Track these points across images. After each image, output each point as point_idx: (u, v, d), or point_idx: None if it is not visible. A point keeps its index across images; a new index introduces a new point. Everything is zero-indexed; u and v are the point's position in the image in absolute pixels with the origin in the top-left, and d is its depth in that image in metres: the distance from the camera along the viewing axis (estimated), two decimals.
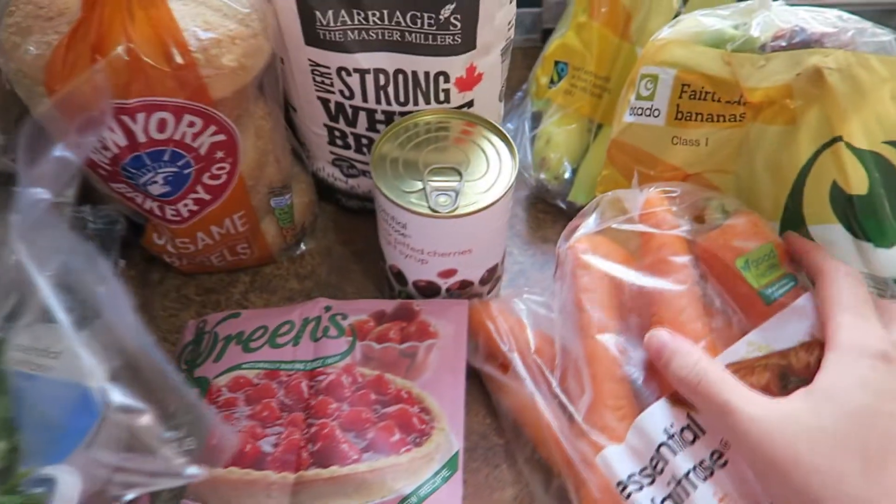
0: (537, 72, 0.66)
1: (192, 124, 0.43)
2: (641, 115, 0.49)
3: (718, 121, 0.46)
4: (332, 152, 0.57)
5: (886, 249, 0.41)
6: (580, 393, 0.41)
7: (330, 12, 0.45)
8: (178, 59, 0.40)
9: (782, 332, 0.39)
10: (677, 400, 0.39)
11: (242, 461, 0.43)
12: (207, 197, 0.48)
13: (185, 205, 0.48)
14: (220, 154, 0.46)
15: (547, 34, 0.69)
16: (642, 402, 0.40)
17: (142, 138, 0.42)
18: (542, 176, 0.61)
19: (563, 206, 0.62)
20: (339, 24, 0.46)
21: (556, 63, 0.63)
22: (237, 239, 0.54)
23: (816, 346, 0.38)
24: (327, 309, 0.50)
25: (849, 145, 0.40)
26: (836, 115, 0.41)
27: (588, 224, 0.46)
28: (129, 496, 0.35)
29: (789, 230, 0.45)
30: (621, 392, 0.40)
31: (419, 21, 0.45)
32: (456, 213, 0.45)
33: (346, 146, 0.55)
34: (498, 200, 0.45)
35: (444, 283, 0.50)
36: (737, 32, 0.45)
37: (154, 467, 0.34)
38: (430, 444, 0.43)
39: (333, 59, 0.48)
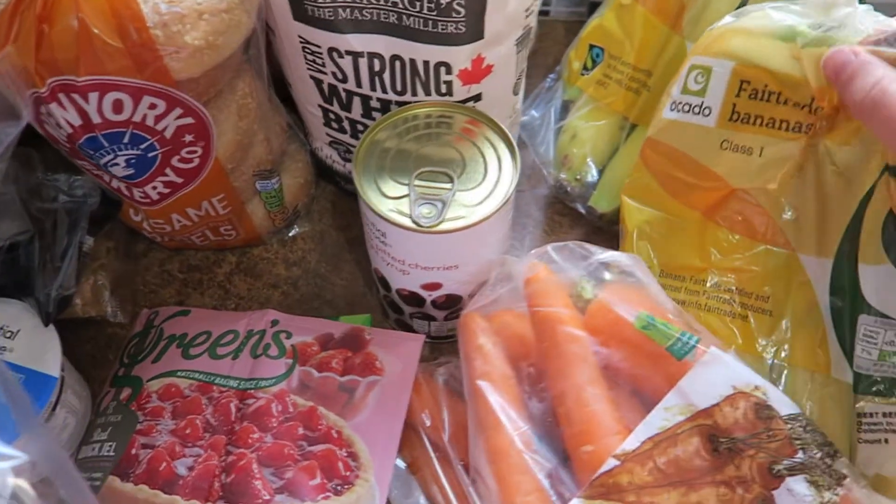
0: (571, 54, 0.58)
1: (153, 106, 0.39)
2: (688, 112, 0.43)
3: (780, 128, 0.40)
4: (328, 134, 0.52)
5: None
6: (487, 492, 0.36)
7: None
8: (134, 36, 0.35)
9: (703, 387, 0.35)
10: (593, 495, 0.34)
11: (154, 481, 0.41)
12: (179, 180, 0.45)
13: (154, 188, 0.44)
14: (188, 138, 0.42)
15: (594, 8, 0.61)
16: (553, 499, 0.35)
17: (96, 119, 0.38)
18: (563, 175, 0.55)
19: (582, 210, 0.55)
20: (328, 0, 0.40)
21: (592, 47, 0.56)
22: (219, 221, 0.50)
23: (741, 399, 0.34)
24: (274, 323, 0.47)
25: None
26: None
27: (483, 293, 0.42)
28: None
29: (841, 268, 0.39)
30: (530, 489, 0.36)
31: (418, 4, 0.39)
32: (439, 228, 0.40)
33: (342, 130, 0.50)
34: (488, 217, 0.40)
35: (428, 296, 0.46)
36: (812, 32, 0.38)
37: None
38: (350, 494, 0.40)
39: (324, 38, 0.43)
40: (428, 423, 0.43)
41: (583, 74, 0.57)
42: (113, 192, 0.46)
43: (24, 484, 0.26)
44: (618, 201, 0.51)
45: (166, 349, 0.48)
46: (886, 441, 0.40)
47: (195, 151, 0.43)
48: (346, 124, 0.49)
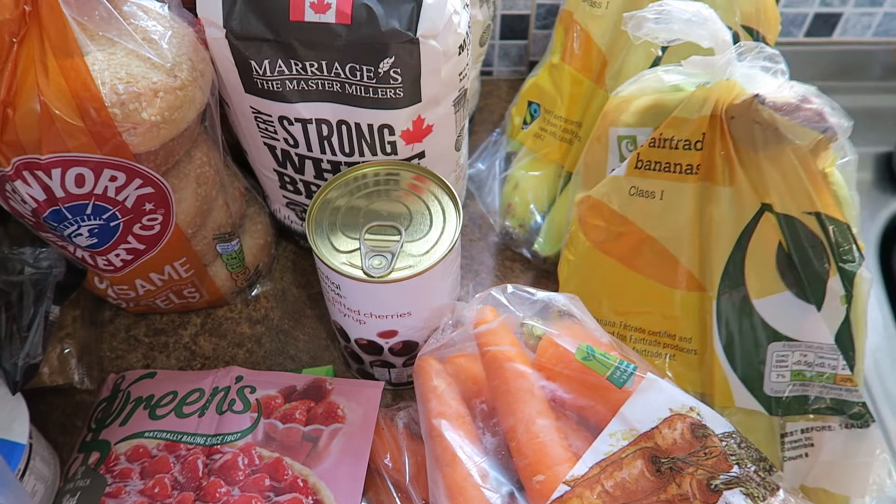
0: (513, 111, 0.63)
1: (113, 178, 0.41)
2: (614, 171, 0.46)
3: (674, 171, 0.43)
4: (284, 196, 0.55)
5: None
6: None
7: (266, 62, 0.43)
8: (93, 115, 0.38)
9: (642, 412, 0.37)
10: None
11: None
12: (141, 247, 0.47)
13: (118, 255, 0.46)
14: (149, 206, 0.44)
15: (532, 66, 0.66)
16: None
17: (59, 193, 0.40)
18: (508, 223, 0.58)
19: (528, 255, 0.59)
20: (276, 73, 0.44)
21: (530, 104, 0.60)
22: (182, 284, 0.52)
23: (678, 420, 0.37)
24: (238, 379, 0.49)
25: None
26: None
27: (436, 337, 0.45)
28: None
29: (729, 321, 0.43)
30: None
31: (358, 73, 0.43)
32: (389, 278, 0.42)
33: (297, 191, 0.53)
34: (435, 265, 0.43)
35: (385, 343, 0.48)
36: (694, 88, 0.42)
37: None
38: None
39: (274, 108, 0.46)
40: (390, 465, 0.44)
41: (523, 128, 0.61)
42: (78, 261, 0.48)
43: None
44: (559, 245, 0.55)
45: (133, 411, 0.49)
46: (807, 455, 0.43)
47: (156, 219, 0.45)
48: (300, 186, 0.52)
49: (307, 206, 0.54)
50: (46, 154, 0.38)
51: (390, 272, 0.42)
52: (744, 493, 0.35)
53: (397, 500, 0.43)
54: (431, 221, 0.45)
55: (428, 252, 0.44)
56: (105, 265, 0.47)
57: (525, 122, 0.61)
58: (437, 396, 0.42)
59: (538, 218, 0.58)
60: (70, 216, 0.42)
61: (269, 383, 0.49)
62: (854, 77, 0.47)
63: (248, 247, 0.56)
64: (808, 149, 0.39)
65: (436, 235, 0.44)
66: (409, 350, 0.49)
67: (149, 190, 0.43)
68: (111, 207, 0.43)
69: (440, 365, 0.44)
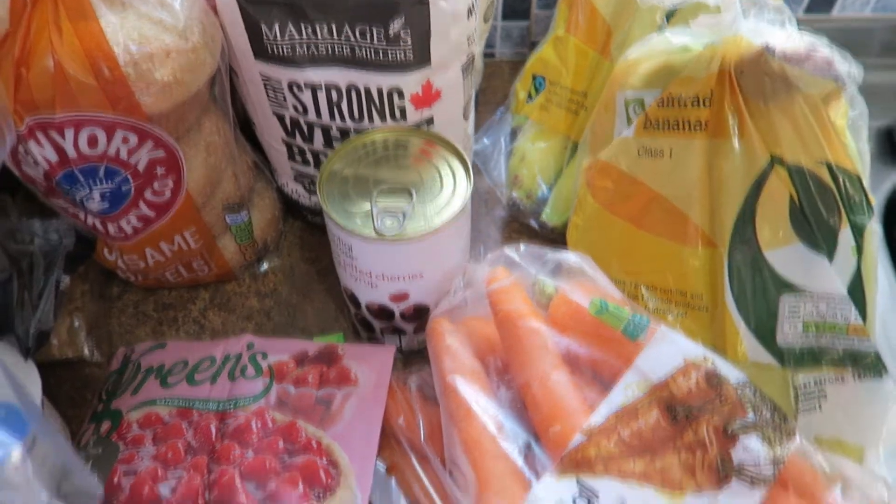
0: (517, 86, 0.63)
1: (126, 140, 0.41)
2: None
3: (683, 128, 0.43)
4: (292, 168, 0.55)
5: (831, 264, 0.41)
6: (465, 481, 0.38)
7: (276, 25, 0.43)
8: (107, 74, 0.38)
9: (657, 363, 0.37)
10: (564, 469, 0.36)
11: None
12: (151, 214, 0.47)
13: (128, 221, 0.47)
14: (160, 171, 0.44)
15: (535, 46, 0.67)
16: (528, 477, 0.37)
17: (72, 154, 0.40)
18: (515, 194, 0.58)
19: (535, 225, 0.59)
20: (286, 37, 0.44)
21: (534, 77, 0.60)
22: (191, 255, 0.52)
23: (692, 369, 0.37)
24: (250, 346, 0.49)
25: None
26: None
27: (448, 299, 0.45)
28: None
29: (740, 274, 0.43)
30: (506, 471, 0.37)
31: (368, 35, 0.43)
32: (402, 236, 0.42)
33: (306, 162, 0.53)
34: (447, 224, 0.43)
35: (396, 308, 0.48)
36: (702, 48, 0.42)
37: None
38: (332, 500, 0.41)
39: (284, 74, 0.46)
40: (404, 426, 0.44)
41: (528, 102, 0.61)
42: (88, 230, 0.48)
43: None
44: (567, 215, 0.55)
45: (144, 381, 0.49)
46: (820, 407, 0.43)
47: (167, 184, 0.46)
48: (308, 156, 0.52)
49: (315, 177, 0.55)
50: (60, 113, 0.38)
51: (402, 232, 0.43)
52: (760, 438, 0.36)
53: (413, 458, 0.43)
54: (442, 184, 0.45)
55: (439, 212, 0.44)
56: (116, 232, 0.47)
57: (530, 96, 0.61)
58: (451, 354, 0.42)
59: (545, 189, 0.58)
60: (82, 179, 0.42)
61: (281, 349, 0.49)
62: (853, 53, 0.47)
63: (256, 221, 0.56)
64: (818, 98, 0.39)
65: (447, 197, 0.45)
66: (419, 315, 0.49)
67: (160, 153, 0.43)
68: (123, 171, 0.43)
69: (453, 325, 0.44)
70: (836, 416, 0.43)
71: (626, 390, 0.38)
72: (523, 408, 0.40)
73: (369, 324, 0.50)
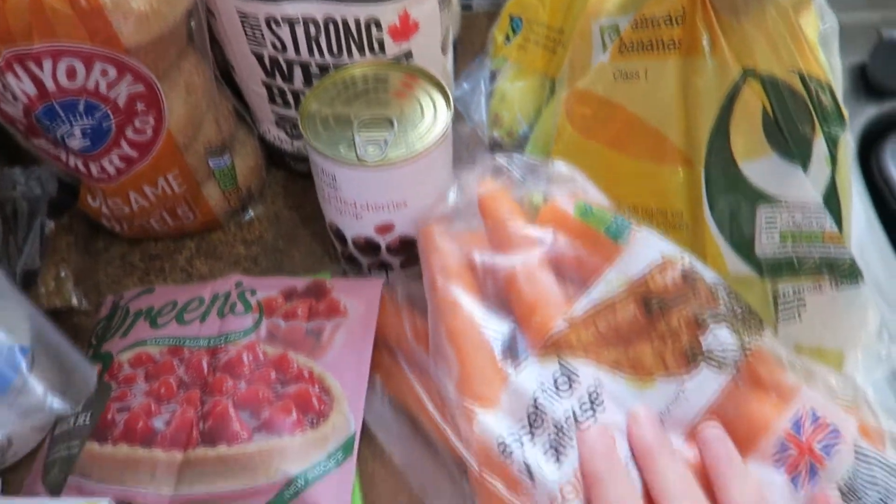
0: (495, 32, 0.63)
1: (105, 73, 0.41)
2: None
3: (656, 48, 0.44)
4: (273, 111, 0.55)
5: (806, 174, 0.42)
6: (449, 368, 0.39)
7: None
8: (83, 3, 0.38)
9: (635, 261, 0.38)
10: (547, 351, 0.37)
11: (133, 438, 0.42)
12: (134, 154, 0.47)
13: (111, 161, 0.47)
14: (140, 106, 0.44)
15: None
16: (510, 364, 0.38)
17: (51, 86, 0.40)
18: (496, 133, 0.59)
19: None
20: None
21: (512, 18, 0.61)
22: (175, 201, 0.52)
23: (669, 266, 0.38)
24: (238, 285, 0.49)
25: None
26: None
27: (441, 207, 0.45)
28: None
29: (717, 188, 0.43)
30: (487, 359, 0.39)
31: None
32: (385, 162, 0.43)
33: (287, 104, 0.53)
34: (429, 150, 0.43)
35: (382, 240, 0.48)
36: None
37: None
38: (326, 425, 0.42)
39: (261, 9, 0.46)
40: (393, 334, 0.45)
41: (506, 44, 0.62)
42: (70, 172, 0.48)
43: None
44: (548, 151, 0.55)
45: (134, 324, 0.49)
46: (800, 316, 0.44)
47: (148, 122, 0.46)
48: (289, 97, 0.52)
49: (297, 120, 0.55)
50: (37, 44, 0.38)
51: (385, 157, 0.43)
52: (729, 328, 0.36)
53: (401, 360, 0.44)
54: (423, 113, 0.46)
55: (421, 138, 0.44)
56: (99, 173, 0.47)
57: (507, 38, 0.61)
58: (439, 253, 0.43)
59: (525, 127, 0.58)
60: (62, 114, 0.42)
61: (270, 286, 0.49)
62: None
63: (239, 168, 0.56)
64: (788, 5, 0.40)
65: (428, 124, 0.45)
66: (406, 248, 0.49)
67: (140, 88, 0.43)
68: (103, 105, 0.43)
69: (443, 229, 0.45)
70: (815, 324, 0.44)
71: (606, 286, 0.39)
72: (509, 301, 0.41)
73: (356, 261, 0.51)
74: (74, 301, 0.52)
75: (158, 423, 0.43)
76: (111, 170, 0.47)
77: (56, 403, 0.39)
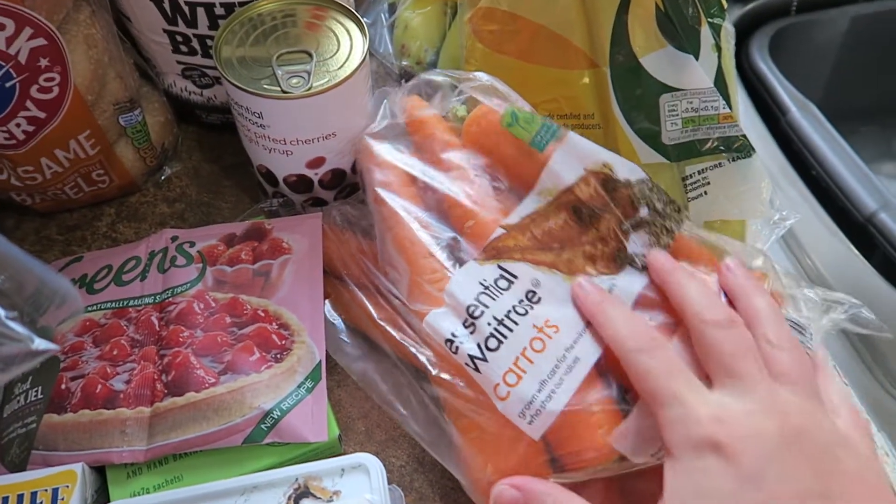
0: None
1: (2, 27, 0.39)
2: None
3: None
4: (178, 62, 0.53)
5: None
6: (399, 276, 0.42)
7: None
8: None
9: (563, 170, 0.41)
10: (487, 256, 0.40)
11: (93, 403, 0.41)
12: (42, 115, 0.45)
13: (18, 125, 0.44)
14: (44, 62, 0.42)
15: None
16: (455, 267, 0.41)
17: None
18: (405, 63, 0.60)
19: None
20: None
21: None
22: (90, 164, 0.50)
23: (591, 177, 0.41)
24: (174, 239, 0.49)
25: None
26: None
27: (372, 126, 0.47)
28: None
29: (623, 85, 0.47)
30: (436, 265, 0.41)
31: None
32: (310, 92, 0.43)
33: (192, 51, 0.52)
34: (352, 74, 0.44)
35: (315, 175, 0.49)
36: None
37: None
38: (291, 358, 0.43)
39: None
40: (332, 250, 0.47)
41: None
42: None
43: None
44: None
45: None
46: (706, 193, 0.49)
47: (53, 79, 0.44)
48: (195, 43, 0.51)
49: (205, 67, 0.54)
50: None
51: (310, 87, 0.44)
52: (648, 233, 0.41)
53: (352, 285, 0.45)
54: (339, 42, 0.46)
55: (342, 66, 0.45)
56: (6, 139, 0.45)
57: None
58: (379, 165, 0.44)
59: (432, 53, 0.60)
60: None
61: (207, 235, 0.49)
62: None
63: (150, 126, 0.54)
64: None
65: (346, 52, 0.46)
66: (337, 181, 0.50)
67: (41, 42, 0.41)
68: (4, 63, 0.41)
69: (379, 140, 0.46)
70: (719, 199, 0.49)
71: (539, 197, 0.42)
72: (447, 209, 0.43)
73: (289, 201, 0.51)
74: None
75: (118, 384, 0.42)
76: (19, 134, 0.45)
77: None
